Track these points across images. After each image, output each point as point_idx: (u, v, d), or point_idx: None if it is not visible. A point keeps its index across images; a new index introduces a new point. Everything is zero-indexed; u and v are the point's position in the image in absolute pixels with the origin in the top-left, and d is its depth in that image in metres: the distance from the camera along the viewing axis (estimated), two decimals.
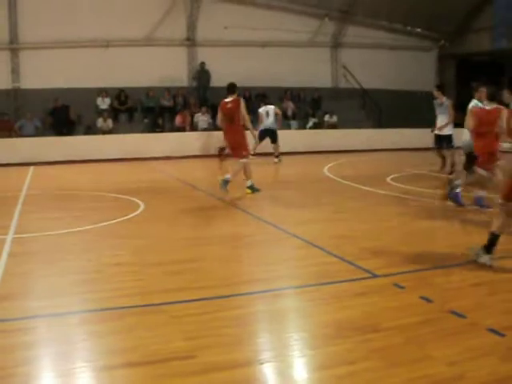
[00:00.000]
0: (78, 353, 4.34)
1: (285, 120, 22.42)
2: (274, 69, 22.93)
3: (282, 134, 18.83)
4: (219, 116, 11.39)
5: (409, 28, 26.42)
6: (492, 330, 4.58)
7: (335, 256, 6.89)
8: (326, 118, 23.47)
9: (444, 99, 13.55)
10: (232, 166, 11.76)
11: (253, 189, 11.51)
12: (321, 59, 25.05)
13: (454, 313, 4.95)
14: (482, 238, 6.27)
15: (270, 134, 18.28)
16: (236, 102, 11.04)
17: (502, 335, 4.50)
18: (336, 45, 25.79)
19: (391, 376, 3.92)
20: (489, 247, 6.29)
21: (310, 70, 23.94)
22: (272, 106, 18.66)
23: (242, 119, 11.11)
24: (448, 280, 5.93)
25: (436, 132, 13.84)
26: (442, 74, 28.14)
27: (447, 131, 13.60)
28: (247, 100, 22.57)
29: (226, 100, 11.18)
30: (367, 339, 4.47)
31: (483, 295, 5.50)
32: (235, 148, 11.30)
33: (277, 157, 18.31)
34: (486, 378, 3.85)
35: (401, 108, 22.66)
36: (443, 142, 13.76)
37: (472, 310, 5.07)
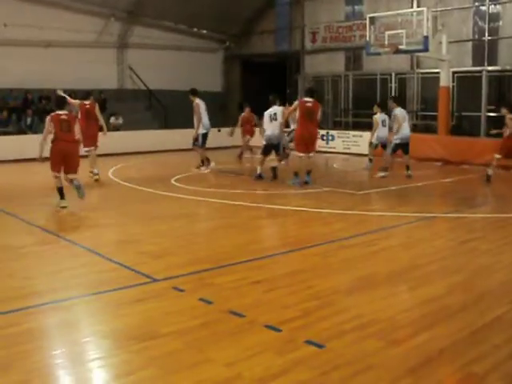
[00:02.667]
0: None
1: None
2: (57, 70, 21.84)
3: None
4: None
5: (195, 29, 26.73)
6: (269, 327, 4.72)
7: (115, 262, 6.71)
8: (112, 119, 22.94)
9: None
10: None
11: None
12: (106, 60, 24.39)
13: (232, 312, 5.03)
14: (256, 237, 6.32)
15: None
16: (92, 105, 13.82)
17: (279, 330, 4.65)
18: (122, 45, 25.27)
19: (170, 383, 3.87)
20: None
21: (96, 71, 23.26)
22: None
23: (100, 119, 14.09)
24: (228, 280, 6.04)
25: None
26: (227, 74, 28.89)
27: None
28: (29, 102, 21.38)
29: (85, 102, 13.74)
30: (145, 347, 4.38)
31: (261, 292, 5.66)
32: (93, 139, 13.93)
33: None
34: (262, 373, 3.95)
35: (187, 108, 22.76)
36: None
37: (250, 308, 5.20)
